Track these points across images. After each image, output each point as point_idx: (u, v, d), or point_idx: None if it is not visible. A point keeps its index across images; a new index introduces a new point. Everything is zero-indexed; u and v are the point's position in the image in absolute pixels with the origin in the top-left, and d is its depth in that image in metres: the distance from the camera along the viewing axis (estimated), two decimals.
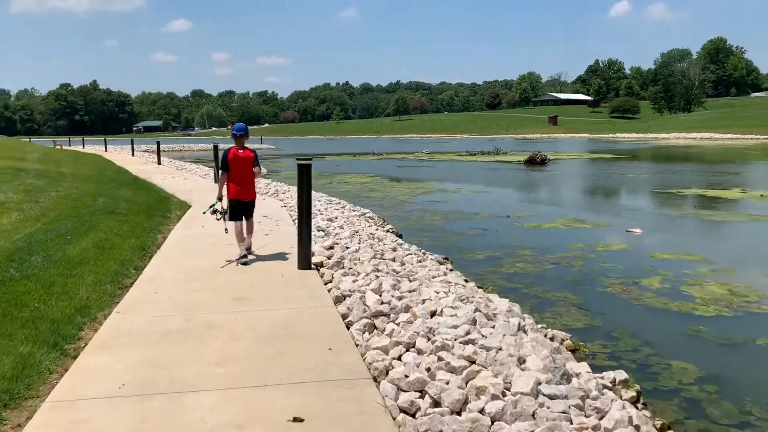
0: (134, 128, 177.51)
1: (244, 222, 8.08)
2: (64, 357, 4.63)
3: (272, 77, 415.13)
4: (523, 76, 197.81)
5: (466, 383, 4.05)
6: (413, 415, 3.82)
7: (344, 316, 5.59)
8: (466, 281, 7.83)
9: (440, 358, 4.34)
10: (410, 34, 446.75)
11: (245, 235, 8.05)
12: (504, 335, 4.95)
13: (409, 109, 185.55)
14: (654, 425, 4.20)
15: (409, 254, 8.66)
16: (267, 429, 3.53)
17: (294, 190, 12.90)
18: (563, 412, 3.80)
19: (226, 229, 8.29)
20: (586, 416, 3.89)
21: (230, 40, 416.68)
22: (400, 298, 5.82)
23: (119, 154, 42.53)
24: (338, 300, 6.07)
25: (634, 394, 4.68)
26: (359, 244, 8.63)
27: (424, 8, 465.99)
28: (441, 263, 8.85)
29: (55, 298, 5.87)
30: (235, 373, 4.28)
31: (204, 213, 8.84)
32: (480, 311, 5.47)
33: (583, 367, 4.79)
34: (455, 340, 4.70)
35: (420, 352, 4.59)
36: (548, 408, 3.81)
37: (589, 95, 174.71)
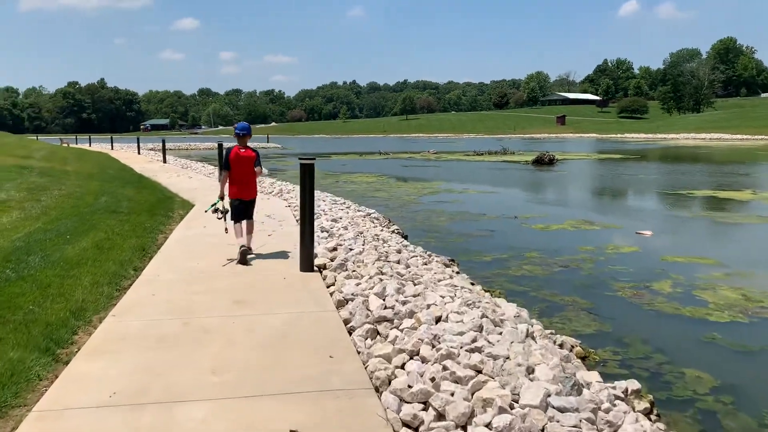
0: (141, 126, 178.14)
1: (245, 222, 8.02)
2: (56, 363, 4.47)
3: (279, 76, 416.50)
4: (531, 76, 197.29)
5: (472, 395, 3.86)
6: (416, 429, 3.64)
7: (346, 321, 5.41)
8: (473, 284, 7.63)
9: (445, 368, 4.15)
10: (418, 33, 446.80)
11: (245, 235, 7.97)
12: (512, 342, 4.75)
13: (416, 108, 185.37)
14: None
15: (414, 256, 8.48)
16: None
17: (299, 189, 12.73)
18: (574, 426, 3.61)
19: (226, 229, 8.27)
20: (598, 431, 3.70)
21: (237, 38, 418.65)
22: (404, 303, 5.64)
23: (125, 152, 42.52)
24: (340, 304, 5.90)
25: (648, 405, 4.48)
26: (363, 245, 8.45)
27: (432, 7, 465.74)
28: (447, 265, 8.66)
29: (50, 300, 5.71)
30: (230, 382, 4.10)
31: (206, 212, 8.84)
32: (487, 317, 5.28)
33: (594, 377, 4.60)
34: (461, 347, 4.51)
35: (424, 360, 4.40)
36: (558, 422, 3.62)
37: (597, 95, 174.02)
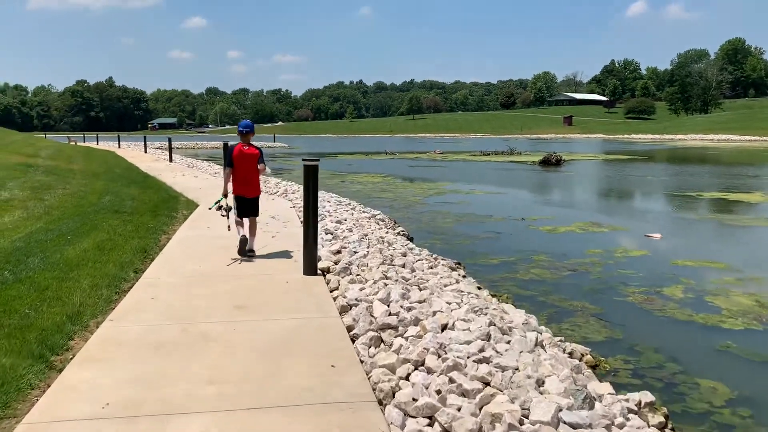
0: (149, 125, 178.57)
1: (248, 219, 8.05)
2: (49, 370, 4.32)
3: (286, 75, 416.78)
4: (538, 76, 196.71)
5: (480, 409, 3.69)
6: None
7: (349, 328, 5.25)
8: (480, 289, 7.46)
9: (452, 380, 3.98)
10: (425, 33, 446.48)
11: (248, 236, 7.92)
12: (521, 352, 4.59)
13: (422, 108, 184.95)
14: None
15: (419, 260, 8.31)
16: None
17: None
18: None
19: (228, 227, 8.29)
20: None
21: (245, 38, 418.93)
22: (409, 309, 5.47)
23: (132, 150, 42.48)
24: (344, 310, 5.74)
25: (662, 419, 4.30)
26: (368, 248, 8.29)
27: (439, 7, 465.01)
28: (453, 269, 8.49)
29: (47, 304, 5.58)
30: (228, 393, 3.95)
31: (210, 209, 8.86)
32: (494, 324, 5.11)
33: (606, 388, 4.43)
34: (468, 357, 4.35)
35: (430, 371, 4.23)
36: None
37: (604, 95, 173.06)
